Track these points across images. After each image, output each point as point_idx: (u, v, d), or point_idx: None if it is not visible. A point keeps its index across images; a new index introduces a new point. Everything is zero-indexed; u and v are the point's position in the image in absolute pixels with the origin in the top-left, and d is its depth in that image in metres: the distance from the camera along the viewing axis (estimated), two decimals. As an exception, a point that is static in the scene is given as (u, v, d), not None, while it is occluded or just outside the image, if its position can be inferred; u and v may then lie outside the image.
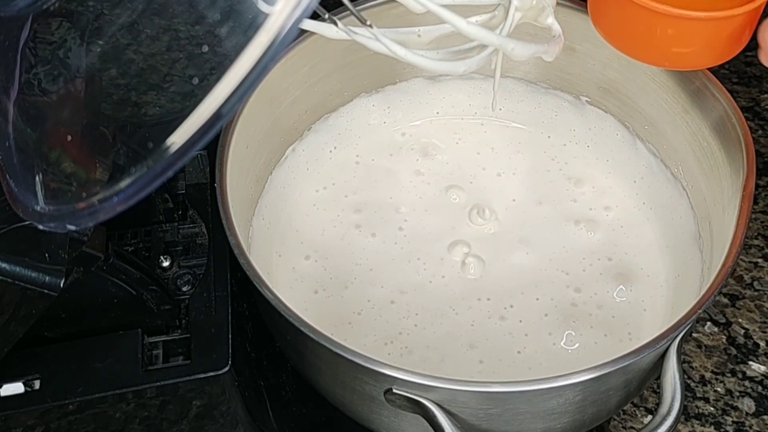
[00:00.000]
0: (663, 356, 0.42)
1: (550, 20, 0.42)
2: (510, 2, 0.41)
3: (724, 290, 0.58)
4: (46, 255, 0.37)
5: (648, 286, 0.51)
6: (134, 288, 0.42)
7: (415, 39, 0.42)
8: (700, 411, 0.53)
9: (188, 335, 0.43)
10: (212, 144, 0.46)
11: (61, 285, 0.37)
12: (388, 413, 0.42)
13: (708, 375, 0.54)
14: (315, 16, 0.40)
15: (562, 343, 0.49)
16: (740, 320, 0.56)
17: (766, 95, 0.69)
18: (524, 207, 0.55)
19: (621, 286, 0.51)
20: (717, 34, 0.41)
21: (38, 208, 0.32)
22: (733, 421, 0.52)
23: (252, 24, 0.27)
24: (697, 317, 0.41)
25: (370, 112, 0.59)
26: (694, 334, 0.56)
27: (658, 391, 0.43)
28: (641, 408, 0.53)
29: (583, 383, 0.39)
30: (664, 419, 0.40)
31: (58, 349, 0.42)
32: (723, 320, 0.57)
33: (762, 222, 0.61)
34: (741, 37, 0.42)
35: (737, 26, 0.41)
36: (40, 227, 0.32)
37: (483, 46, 0.41)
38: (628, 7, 0.41)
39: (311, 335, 0.39)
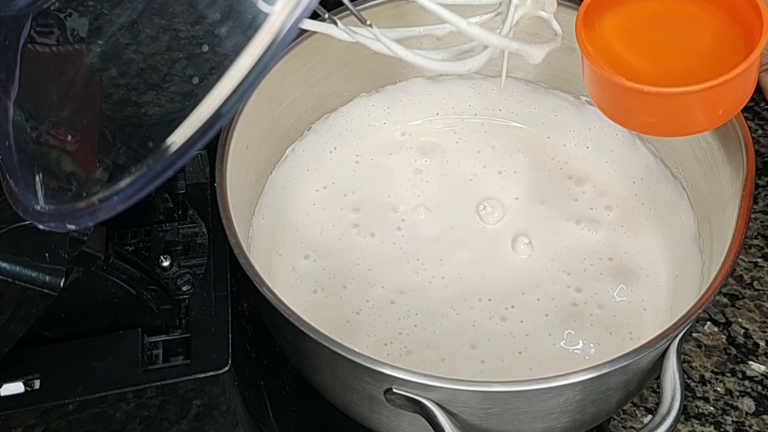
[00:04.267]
0: (663, 356, 0.42)
1: (546, 15, 0.42)
2: (510, 1, 0.41)
3: (724, 290, 0.58)
4: (46, 255, 0.37)
5: (648, 285, 0.51)
6: (134, 288, 0.42)
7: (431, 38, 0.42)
8: (700, 411, 0.53)
9: (188, 335, 0.43)
10: (212, 144, 0.46)
11: (61, 285, 0.37)
12: (388, 413, 0.42)
13: (708, 375, 0.54)
14: (315, 16, 0.40)
15: (562, 343, 0.49)
16: (740, 320, 0.56)
17: (766, 95, 0.69)
18: (526, 206, 0.55)
19: (621, 286, 0.51)
20: (680, 107, 0.39)
21: (38, 208, 0.32)
22: (732, 421, 0.52)
23: (252, 24, 0.27)
24: (697, 317, 0.41)
25: (370, 112, 0.59)
26: (694, 334, 0.56)
27: (658, 391, 0.43)
28: (641, 408, 0.53)
29: (583, 383, 0.39)
30: (663, 419, 0.40)
31: (58, 349, 0.42)
32: (723, 320, 0.57)
33: (762, 222, 0.61)
34: (714, 110, 0.40)
35: (704, 100, 0.38)
36: (40, 227, 0.32)
37: (485, 46, 0.41)
38: (597, 76, 0.40)
39: (311, 335, 0.39)
